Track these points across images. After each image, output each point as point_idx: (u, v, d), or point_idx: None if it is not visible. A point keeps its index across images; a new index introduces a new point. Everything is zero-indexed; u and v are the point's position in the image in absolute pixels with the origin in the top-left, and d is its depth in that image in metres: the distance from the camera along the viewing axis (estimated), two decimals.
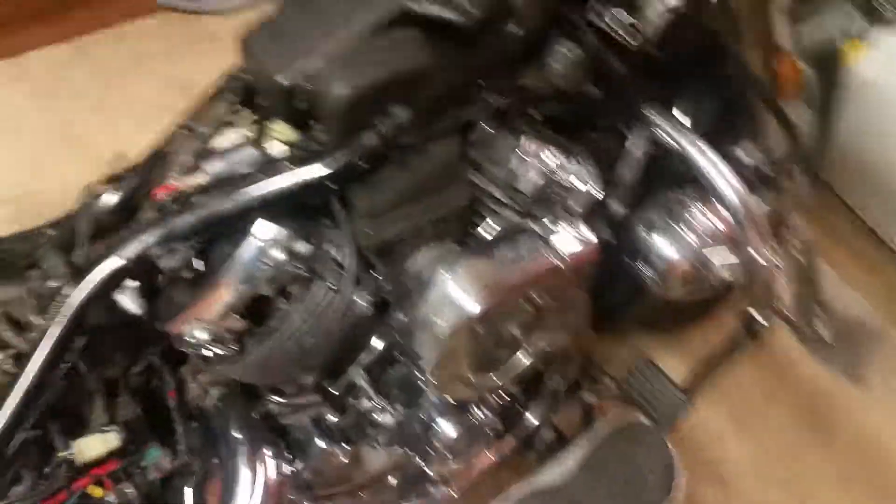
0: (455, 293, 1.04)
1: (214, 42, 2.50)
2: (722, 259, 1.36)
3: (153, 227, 0.91)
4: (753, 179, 1.42)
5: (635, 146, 1.30)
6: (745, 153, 1.44)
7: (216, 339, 0.98)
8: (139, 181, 1.01)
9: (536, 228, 1.13)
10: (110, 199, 0.98)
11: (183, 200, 0.94)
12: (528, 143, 1.11)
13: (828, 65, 1.94)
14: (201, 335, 0.96)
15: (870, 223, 2.22)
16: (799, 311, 1.47)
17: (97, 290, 0.89)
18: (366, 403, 1.16)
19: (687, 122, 1.41)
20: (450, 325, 1.03)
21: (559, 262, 1.10)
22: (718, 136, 1.34)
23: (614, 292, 1.44)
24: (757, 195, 1.37)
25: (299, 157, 0.98)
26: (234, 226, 0.95)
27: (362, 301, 1.05)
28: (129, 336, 0.99)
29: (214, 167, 0.97)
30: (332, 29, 0.96)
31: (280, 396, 1.14)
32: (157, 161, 1.02)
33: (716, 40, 1.28)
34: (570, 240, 1.13)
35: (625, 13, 1.11)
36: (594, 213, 1.22)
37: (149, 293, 0.95)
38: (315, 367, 1.09)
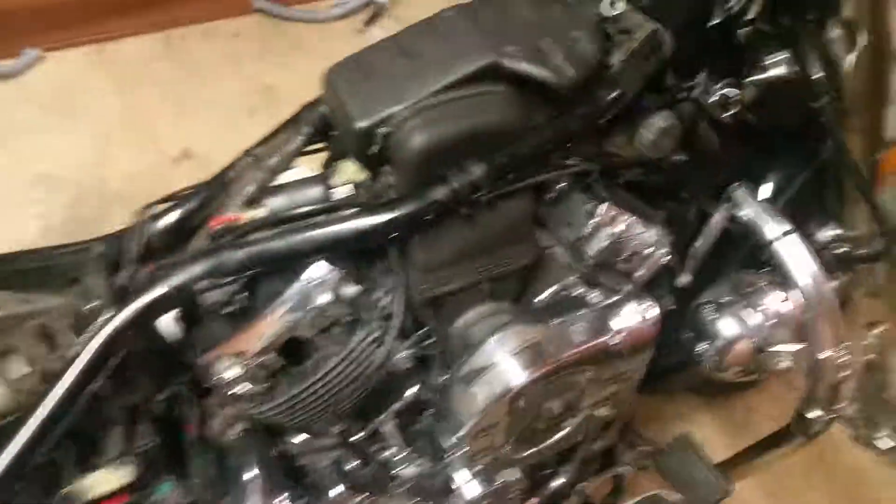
0: (502, 361, 0.99)
1: (302, 50, 2.48)
2: (786, 348, 1.30)
3: (203, 258, 0.87)
4: (832, 263, 1.35)
5: (716, 221, 1.23)
6: (828, 235, 1.37)
7: (248, 376, 0.94)
8: (198, 205, 0.97)
9: (597, 302, 1.07)
10: (166, 219, 0.95)
11: (238, 234, 0.90)
12: (603, 208, 1.04)
13: None
14: (234, 371, 0.92)
15: None
16: (862, 410, 1.39)
17: (136, 318, 0.85)
18: (389, 452, 1.11)
19: (770, 191, 1.38)
20: (491, 395, 0.98)
21: (617, 342, 1.04)
22: (803, 213, 1.28)
23: (666, 360, 1.38)
24: (833, 279, 1.30)
25: (364, 201, 0.94)
26: (286, 265, 0.91)
27: (403, 355, 1.00)
28: (160, 362, 0.96)
29: (276, 203, 0.93)
30: (422, 77, 0.90)
31: (303, 436, 1.10)
32: (220, 186, 0.98)
33: (818, 118, 1.20)
34: (631, 316, 1.07)
35: (733, 89, 1.05)
36: (660, 281, 1.17)
37: (188, 321, 0.91)
38: (345, 414, 1.05)
